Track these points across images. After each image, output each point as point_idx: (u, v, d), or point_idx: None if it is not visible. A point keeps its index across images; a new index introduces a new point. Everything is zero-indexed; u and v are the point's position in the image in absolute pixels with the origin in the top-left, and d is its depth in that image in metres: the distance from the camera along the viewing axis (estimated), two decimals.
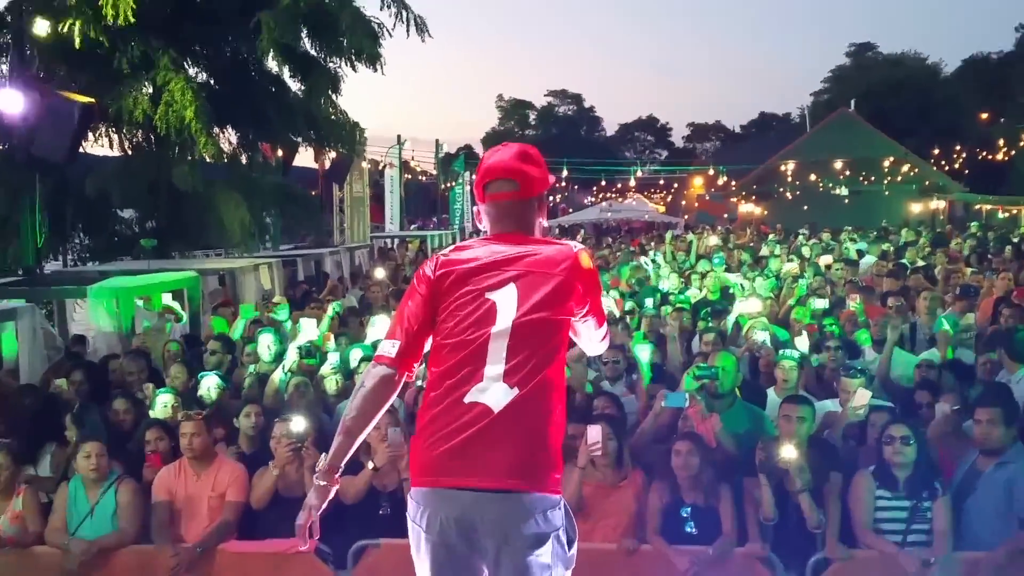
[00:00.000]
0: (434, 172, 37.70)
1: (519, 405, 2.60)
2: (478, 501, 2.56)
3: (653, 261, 14.24)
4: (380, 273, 13.05)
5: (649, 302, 9.80)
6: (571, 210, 51.68)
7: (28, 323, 7.10)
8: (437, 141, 35.75)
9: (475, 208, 2.91)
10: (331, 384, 6.64)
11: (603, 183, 52.29)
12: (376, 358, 2.77)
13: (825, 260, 14.05)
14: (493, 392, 2.61)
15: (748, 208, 41.15)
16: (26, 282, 9.60)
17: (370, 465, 5.11)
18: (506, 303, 2.68)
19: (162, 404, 5.96)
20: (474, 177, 3.02)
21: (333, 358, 6.70)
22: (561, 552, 2.63)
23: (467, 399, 2.61)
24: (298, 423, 5.17)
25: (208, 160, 14.53)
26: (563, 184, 48.84)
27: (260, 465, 5.34)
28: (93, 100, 9.52)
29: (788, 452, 4.74)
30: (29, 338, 7.11)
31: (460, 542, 2.58)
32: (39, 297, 9.06)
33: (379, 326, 7.69)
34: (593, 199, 56.01)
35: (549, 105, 78.17)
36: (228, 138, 16.42)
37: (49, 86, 11.65)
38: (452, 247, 2.86)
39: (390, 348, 2.75)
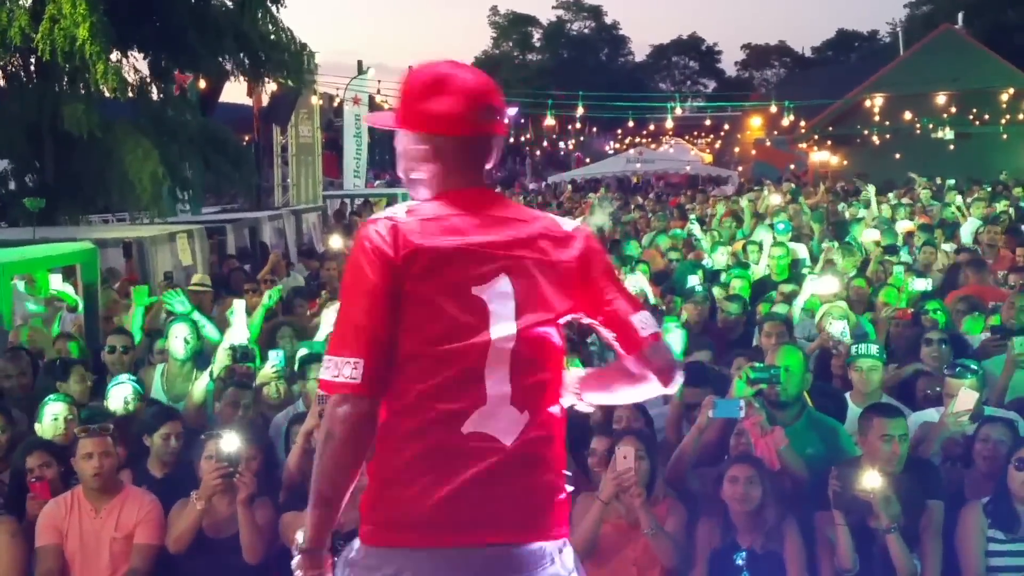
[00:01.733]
0: None
1: (532, 433, 2.64)
2: (493, 561, 2.57)
3: (699, 227, 14.25)
4: (338, 243, 13.07)
5: (693, 281, 9.81)
6: (588, 160, 51.73)
7: None
8: (410, 68, 35.60)
9: (403, 146, 2.79)
10: (272, 391, 6.66)
11: (630, 124, 52.09)
12: (333, 387, 2.56)
13: (905, 226, 14.08)
14: (501, 419, 2.61)
15: (822, 156, 41.15)
16: None
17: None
18: (501, 303, 2.64)
19: (52, 417, 5.97)
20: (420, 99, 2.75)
21: (275, 357, 6.72)
22: None
23: (466, 428, 2.58)
24: (230, 441, 5.19)
25: (108, 95, 14.52)
26: (577, 126, 48.78)
27: (178, 496, 5.37)
28: None
29: (871, 480, 4.75)
30: None
31: None
32: None
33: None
34: (617, 145, 56.01)
35: (558, 21, 77.95)
36: (134, 65, 16.42)
37: None
38: (406, 209, 2.70)
39: (352, 371, 2.54)
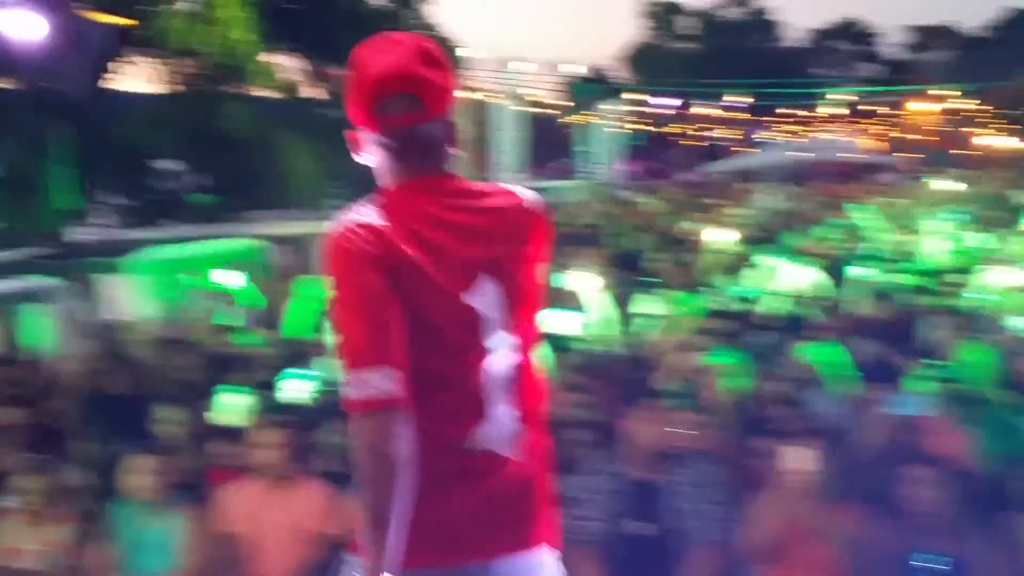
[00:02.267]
0: (561, 104, 37.68)
1: (531, 439, 2.63)
2: (512, 569, 2.61)
3: (864, 215, 13.92)
4: None
5: (858, 271, 9.59)
6: (743, 149, 50.88)
7: (63, 305, 7.52)
8: (558, 62, 35.71)
9: (357, 134, 2.60)
10: None
11: (787, 111, 51.13)
12: (369, 403, 2.37)
13: None
14: (502, 433, 2.58)
15: (995, 140, 39.56)
16: (53, 254, 10.14)
17: None
18: (488, 308, 2.54)
19: (229, 407, 6.22)
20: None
21: None
22: None
23: (470, 446, 2.55)
24: None
25: (265, 95, 14.96)
26: (731, 114, 48.02)
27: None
28: (124, 21, 9.90)
29: None
30: (63, 325, 7.53)
31: None
32: (66, 272, 9.56)
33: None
34: (773, 134, 54.90)
35: (709, 8, 76.88)
36: (290, 66, 16.86)
37: (69, 4, 12.21)
38: (365, 206, 2.52)
39: (382, 381, 2.37)
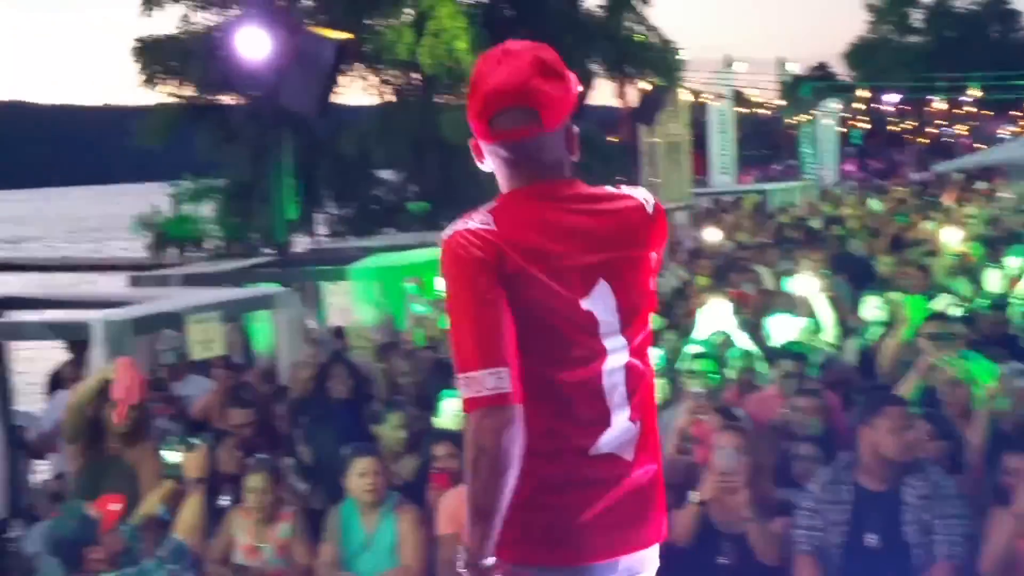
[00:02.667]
0: (777, 103, 36.96)
1: (645, 441, 2.68)
2: (644, 562, 2.71)
3: None
4: (714, 235, 13.02)
5: None
6: (979, 145, 48.64)
7: (288, 312, 7.84)
8: (781, 60, 35.04)
9: (473, 142, 2.65)
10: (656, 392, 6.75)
11: None
12: (483, 401, 2.46)
13: None
14: (622, 436, 2.62)
15: None
16: (278, 262, 10.59)
17: (694, 498, 5.12)
18: (605, 311, 2.57)
19: (453, 412, 6.33)
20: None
21: (654, 357, 6.81)
22: None
23: (594, 452, 2.59)
24: None
25: None
26: (967, 110, 45.93)
27: None
28: (348, 35, 10.27)
29: None
30: (288, 331, 7.85)
31: None
32: (293, 280, 9.97)
33: (712, 310, 7.71)
34: (1015, 129, 52.22)
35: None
36: None
37: (296, 21, 12.76)
38: (479, 212, 2.56)
39: (497, 381, 2.46)
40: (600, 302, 2.56)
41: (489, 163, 2.67)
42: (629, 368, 2.61)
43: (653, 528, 2.71)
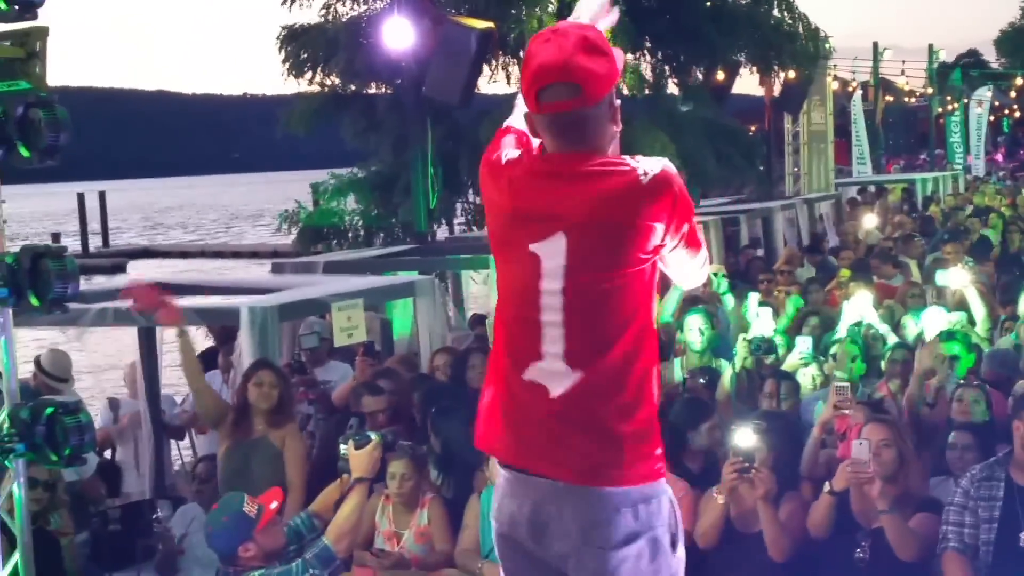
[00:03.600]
0: (926, 91, 35.83)
1: (586, 389, 2.84)
2: (555, 494, 2.87)
3: None
4: (871, 222, 12.77)
5: None
6: None
7: (429, 300, 7.89)
8: (931, 47, 33.94)
9: (527, 115, 2.90)
10: (804, 380, 6.66)
11: None
12: None
13: None
14: (552, 371, 2.86)
15: None
16: (419, 250, 10.69)
17: (826, 488, 5.01)
18: (554, 258, 2.82)
19: None
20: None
21: (804, 345, 6.81)
22: (659, 557, 2.87)
23: (527, 376, 2.89)
24: (745, 436, 5.16)
25: (626, 93, 15.08)
26: None
27: (706, 487, 5.44)
28: (492, 25, 10.26)
29: None
30: (430, 317, 7.90)
31: (529, 539, 2.95)
32: (434, 268, 10.04)
33: (856, 302, 7.57)
34: None
35: None
36: (650, 63, 16.91)
37: (440, 11, 12.82)
38: (495, 149, 2.98)
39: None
40: (551, 251, 2.82)
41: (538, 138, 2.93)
42: (569, 315, 2.82)
43: (573, 465, 2.85)
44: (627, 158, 2.85)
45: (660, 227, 2.80)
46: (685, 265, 3.00)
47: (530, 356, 2.88)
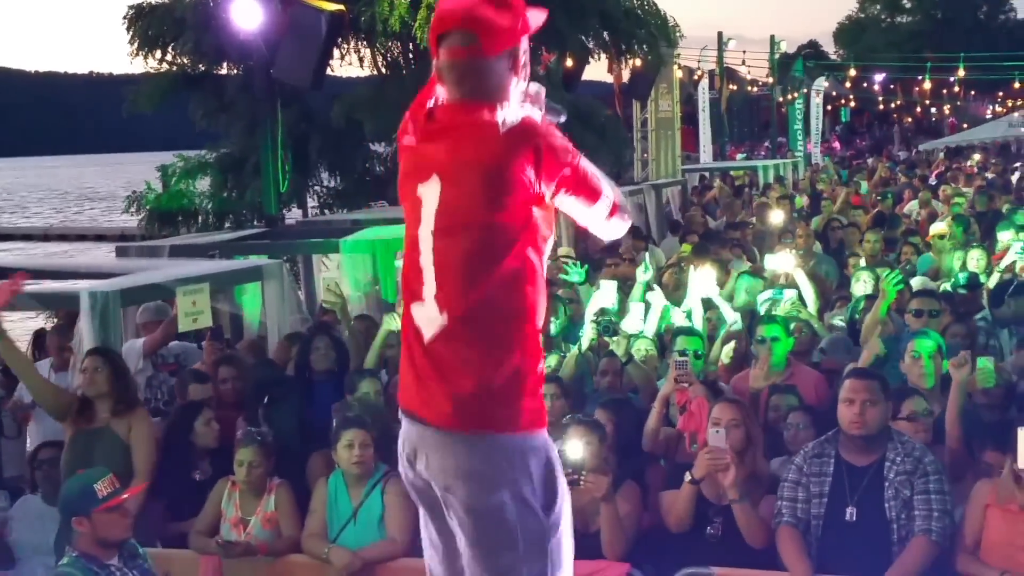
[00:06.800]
0: (768, 80, 36.81)
1: (451, 333, 2.90)
2: (422, 436, 2.97)
3: None
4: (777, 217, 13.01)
5: None
6: (965, 125, 48.71)
7: (276, 285, 7.74)
8: (772, 38, 34.85)
9: (434, 65, 2.97)
10: (637, 351, 6.73)
11: (1016, 86, 48.41)
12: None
13: None
14: (427, 315, 2.95)
15: None
16: (269, 234, 10.49)
17: (687, 476, 5.10)
18: (430, 202, 2.93)
19: None
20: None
21: (638, 311, 6.98)
22: (525, 513, 2.92)
23: (413, 319, 3.00)
24: (574, 448, 4.97)
25: None
26: (954, 90, 45.87)
27: None
28: (342, 7, 10.12)
29: None
30: (277, 303, 7.75)
31: (411, 473, 3.10)
32: (284, 252, 9.86)
33: (697, 281, 7.67)
34: (999, 109, 52.18)
35: None
36: None
37: None
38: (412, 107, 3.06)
39: None
40: (429, 193, 2.92)
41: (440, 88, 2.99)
42: (439, 256, 2.91)
43: (435, 408, 2.93)
44: (499, 107, 2.87)
45: (522, 176, 2.83)
46: (583, 215, 3.04)
47: (414, 298, 2.99)
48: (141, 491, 5.42)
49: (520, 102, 2.92)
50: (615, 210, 3.07)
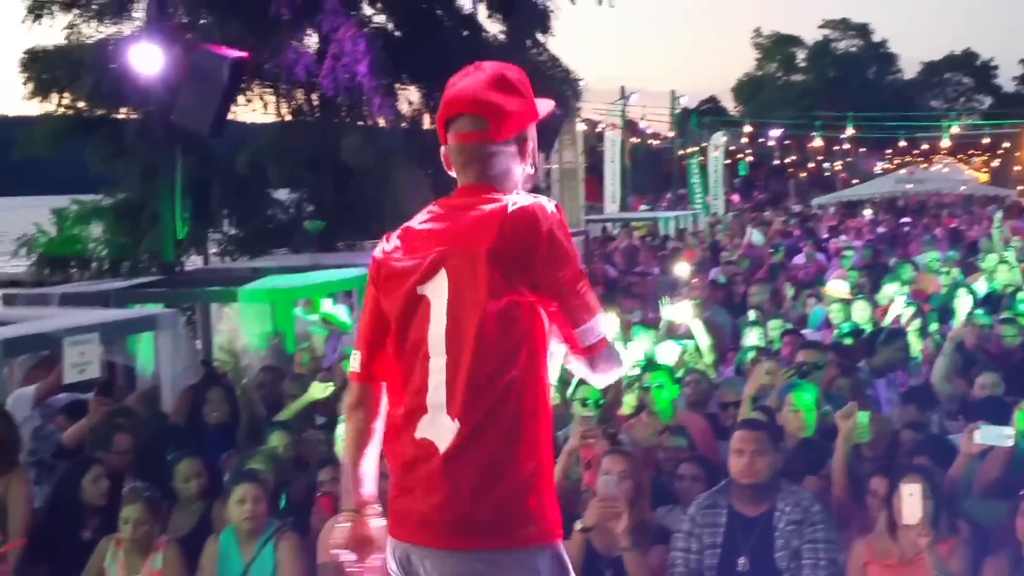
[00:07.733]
0: (669, 134, 37.46)
1: (466, 444, 2.68)
2: (423, 559, 2.72)
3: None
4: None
5: (966, 304, 9.10)
6: (855, 180, 50.06)
7: (170, 334, 7.55)
8: (673, 93, 35.54)
9: (443, 151, 2.90)
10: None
11: (901, 144, 49.99)
12: (349, 376, 2.97)
13: None
14: (437, 426, 2.71)
15: None
16: (165, 282, 10.26)
17: (578, 525, 5.07)
18: (438, 299, 2.73)
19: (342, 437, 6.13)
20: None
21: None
22: None
23: (417, 433, 2.74)
24: None
25: (382, 126, 15.03)
26: (844, 146, 47.19)
27: None
28: (245, 55, 10.01)
29: None
30: (171, 353, 7.56)
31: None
32: (180, 301, 9.64)
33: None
34: (887, 165, 53.83)
35: (824, 40, 75.69)
36: (407, 97, 16.98)
37: (192, 38, 12.43)
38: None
39: (354, 361, 2.93)
40: (436, 290, 2.73)
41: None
42: (451, 357, 2.70)
43: (460, 532, 2.68)
44: (507, 192, 2.78)
45: (527, 258, 2.66)
46: (568, 333, 2.77)
47: (419, 412, 2.74)
48: (16, 547, 5.18)
49: (527, 182, 2.87)
50: (603, 345, 2.81)
